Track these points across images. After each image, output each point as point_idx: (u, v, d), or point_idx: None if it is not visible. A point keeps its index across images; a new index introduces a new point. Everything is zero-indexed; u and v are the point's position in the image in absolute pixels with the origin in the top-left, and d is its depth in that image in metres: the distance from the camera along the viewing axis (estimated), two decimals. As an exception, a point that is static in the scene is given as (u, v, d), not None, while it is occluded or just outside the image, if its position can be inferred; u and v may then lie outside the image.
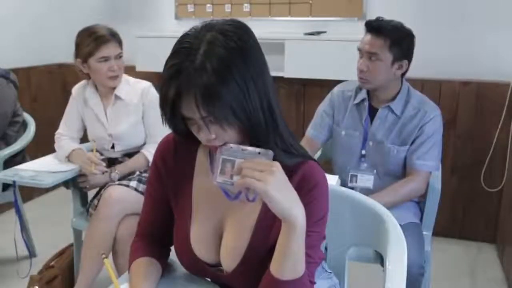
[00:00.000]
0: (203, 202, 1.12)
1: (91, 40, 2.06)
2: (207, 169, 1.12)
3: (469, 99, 2.84)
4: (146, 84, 2.20)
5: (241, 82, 0.91)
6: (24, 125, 2.69)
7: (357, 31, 2.00)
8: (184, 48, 0.93)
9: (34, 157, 2.34)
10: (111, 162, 2.25)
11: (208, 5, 3.39)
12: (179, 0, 3.48)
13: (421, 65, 2.70)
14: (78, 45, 2.11)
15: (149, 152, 2.13)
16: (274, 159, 0.92)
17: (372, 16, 2.01)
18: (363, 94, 2.02)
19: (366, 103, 2.01)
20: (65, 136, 2.24)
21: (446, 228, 2.89)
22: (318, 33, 3.06)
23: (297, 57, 3.02)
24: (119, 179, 2.11)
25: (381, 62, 1.88)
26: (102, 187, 2.15)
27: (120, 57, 2.13)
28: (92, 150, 2.15)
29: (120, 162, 2.22)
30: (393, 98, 1.97)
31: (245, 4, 3.31)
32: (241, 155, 0.91)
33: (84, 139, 2.32)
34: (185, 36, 0.96)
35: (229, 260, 1.09)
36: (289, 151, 1.03)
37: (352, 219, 1.42)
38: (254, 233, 1.07)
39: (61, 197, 3.26)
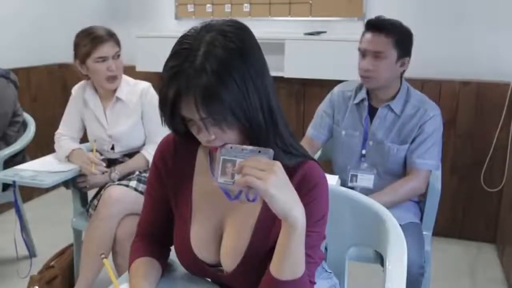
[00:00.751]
0: (203, 202, 1.12)
1: (88, 41, 2.06)
2: (207, 169, 1.12)
3: (469, 99, 2.85)
4: (145, 85, 2.20)
5: (240, 83, 0.91)
6: (24, 125, 2.69)
7: (357, 31, 1.99)
8: (184, 49, 0.93)
9: (34, 157, 2.34)
10: (111, 163, 2.26)
11: (208, 5, 3.39)
12: (179, 0, 3.48)
13: (421, 65, 2.71)
14: (76, 46, 2.11)
15: (149, 153, 2.13)
16: (274, 159, 0.92)
17: (372, 16, 2.01)
18: (362, 94, 2.02)
19: (366, 103, 2.01)
20: (65, 136, 2.24)
21: (446, 228, 2.89)
22: (318, 33, 3.06)
23: (297, 57, 3.02)
24: (119, 179, 2.11)
25: (386, 60, 1.88)
26: (102, 187, 2.15)
27: (118, 56, 2.12)
28: (92, 150, 2.15)
29: (120, 163, 2.22)
30: (393, 98, 1.97)
31: (245, 4, 3.31)
32: (242, 155, 0.91)
33: (84, 139, 2.32)
34: (184, 37, 0.96)
35: (229, 260, 1.09)
36: (289, 151, 1.03)
37: (352, 219, 1.42)
38: (254, 233, 1.07)
39: (61, 197, 3.26)
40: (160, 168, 1.16)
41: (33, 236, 2.72)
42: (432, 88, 2.82)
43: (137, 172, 2.14)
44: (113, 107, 2.19)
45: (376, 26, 1.89)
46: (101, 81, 2.12)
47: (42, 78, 3.59)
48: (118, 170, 2.13)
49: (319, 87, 3.03)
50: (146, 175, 2.09)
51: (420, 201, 2.08)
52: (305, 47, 3.01)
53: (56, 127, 2.27)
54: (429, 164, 1.92)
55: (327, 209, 1.06)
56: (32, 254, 2.53)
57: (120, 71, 2.14)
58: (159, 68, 0.97)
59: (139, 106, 2.17)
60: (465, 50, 2.87)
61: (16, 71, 2.73)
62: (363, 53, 1.92)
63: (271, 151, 0.91)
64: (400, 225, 1.30)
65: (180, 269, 1.20)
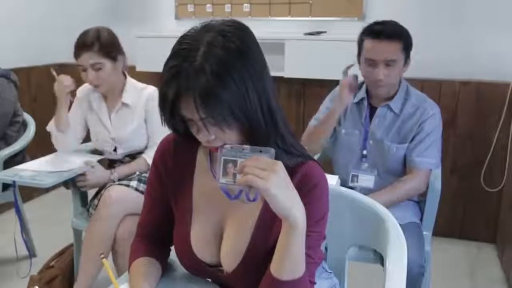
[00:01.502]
0: (204, 203, 1.12)
1: (75, 46, 2.05)
2: (207, 170, 1.12)
3: (469, 99, 2.85)
4: (151, 90, 2.17)
5: (240, 83, 0.91)
6: (24, 125, 2.69)
7: (357, 31, 1.99)
8: (183, 49, 0.93)
9: (34, 157, 2.34)
10: (112, 163, 2.26)
11: (208, 5, 3.39)
12: (179, 0, 3.48)
13: (421, 65, 2.70)
14: None
15: (150, 156, 2.11)
16: (275, 158, 0.92)
17: (372, 16, 2.01)
18: (362, 93, 2.03)
19: (365, 102, 2.02)
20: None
21: (446, 228, 2.89)
22: (318, 33, 3.06)
23: (297, 57, 3.02)
24: (119, 179, 2.11)
25: (398, 65, 1.87)
26: (102, 187, 2.15)
27: (98, 68, 2.04)
28: (92, 151, 2.15)
29: (122, 163, 2.22)
30: (392, 97, 1.97)
31: (245, 4, 3.31)
32: (242, 155, 0.91)
33: (85, 139, 2.32)
34: (184, 37, 0.96)
35: (229, 260, 1.09)
36: (289, 151, 1.03)
37: (352, 219, 1.42)
38: (254, 233, 1.07)
39: (61, 197, 3.26)
40: (160, 168, 1.16)
41: (33, 236, 2.72)
42: (432, 88, 2.82)
43: (137, 172, 2.13)
44: (118, 111, 2.19)
45: (384, 34, 1.84)
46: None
47: (42, 78, 3.59)
48: (118, 173, 2.12)
49: (319, 87, 3.03)
50: (147, 175, 2.09)
51: (420, 201, 2.08)
52: (305, 47, 3.01)
53: (56, 127, 2.27)
54: (429, 162, 1.92)
55: (327, 209, 1.06)
56: (32, 254, 2.53)
57: (101, 81, 2.07)
58: (159, 68, 0.97)
59: (142, 110, 2.16)
60: (465, 50, 2.87)
61: (16, 71, 2.73)
62: (372, 63, 1.87)
63: (272, 150, 0.91)
64: (400, 225, 1.30)
65: (180, 269, 1.20)
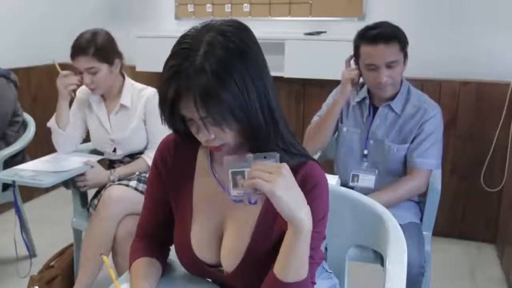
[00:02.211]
0: (204, 203, 1.12)
1: (71, 49, 2.05)
2: (208, 170, 1.12)
3: (469, 99, 2.85)
4: (151, 91, 2.16)
5: (240, 83, 0.91)
6: (24, 125, 2.69)
7: (356, 32, 1.99)
8: (184, 49, 0.93)
9: (34, 157, 2.33)
10: (112, 163, 2.26)
11: (208, 5, 3.39)
12: (179, 0, 3.48)
13: (421, 65, 2.71)
14: None
15: (150, 158, 2.12)
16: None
17: (372, 16, 2.01)
18: (364, 93, 2.03)
19: (367, 101, 2.02)
20: None
21: (446, 228, 2.89)
22: (318, 33, 3.06)
23: (297, 57, 3.02)
24: (119, 179, 2.11)
25: (399, 66, 1.88)
26: (102, 187, 2.15)
27: (94, 72, 2.04)
28: (92, 151, 2.14)
29: (121, 163, 2.22)
30: (393, 97, 1.97)
31: (245, 4, 3.31)
32: (248, 164, 0.92)
33: (86, 139, 2.32)
34: (184, 37, 0.96)
35: (230, 260, 1.09)
36: (289, 150, 1.03)
37: (352, 219, 1.42)
38: (254, 233, 1.07)
39: (61, 197, 3.26)
40: (160, 168, 1.16)
41: (33, 236, 2.72)
42: (432, 88, 2.81)
43: (137, 172, 2.13)
44: (117, 113, 2.18)
45: (380, 37, 1.84)
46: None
47: (42, 78, 3.59)
48: (118, 173, 2.12)
49: (319, 87, 3.03)
50: (146, 175, 2.09)
51: (420, 201, 2.08)
52: (305, 47, 3.01)
53: (56, 127, 2.27)
54: (429, 163, 1.92)
55: (328, 209, 1.06)
56: (32, 254, 2.53)
57: (97, 84, 2.07)
58: (159, 68, 0.97)
59: (142, 111, 2.16)
60: (465, 50, 2.87)
61: (16, 71, 2.73)
62: (373, 68, 1.87)
63: (277, 155, 0.92)
64: (400, 225, 1.31)
65: (180, 269, 1.20)
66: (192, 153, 1.14)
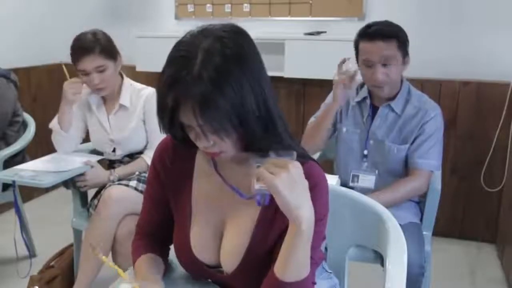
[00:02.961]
0: (203, 203, 1.12)
1: (73, 52, 2.04)
2: (207, 170, 1.12)
3: (469, 99, 2.84)
4: (150, 91, 2.16)
5: (237, 89, 0.91)
6: (24, 125, 2.69)
7: (357, 31, 1.99)
8: (181, 56, 0.92)
9: (34, 157, 2.34)
10: (112, 163, 2.26)
11: (208, 5, 3.39)
12: (179, 0, 3.48)
13: (421, 65, 2.71)
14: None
15: (149, 157, 2.11)
16: None
17: (372, 16, 2.01)
18: (364, 92, 2.03)
19: (367, 101, 2.01)
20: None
21: (446, 228, 2.89)
22: (318, 33, 3.06)
23: (297, 57, 3.02)
24: (119, 180, 2.11)
25: (396, 64, 1.87)
26: (102, 187, 2.15)
27: (103, 70, 2.04)
28: (92, 151, 2.14)
29: (121, 163, 2.22)
30: (394, 97, 1.97)
31: (245, 4, 3.31)
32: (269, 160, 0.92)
33: (85, 139, 2.32)
34: (181, 43, 0.95)
35: (229, 261, 1.09)
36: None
37: (352, 219, 1.42)
38: (254, 234, 1.06)
39: (61, 197, 3.26)
40: (159, 168, 1.16)
41: (33, 236, 2.72)
42: (432, 88, 2.82)
43: (137, 172, 2.13)
44: (117, 113, 2.18)
45: (378, 34, 1.85)
46: (91, 89, 2.12)
47: (42, 78, 3.59)
48: (117, 173, 2.12)
49: (319, 87, 3.03)
50: (146, 175, 2.08)
51: (420, 201, 2.08)
52: (305, 47, 3.01)
53: (56, 127, 2.27)
54: (430, 164, 1.92)
55: (328, 209, 1.06)
56: (32, 254, 2.53)
57: (106, 83, 2.08)
58: (159, 68, 0.96)
59: (141, 111, 2.16)
60: (465, 50, 2.87)
61: (16, 71, 2.73)
62: (370, 64, 1.88)
63: (294, 153, 0.92)
64: (400, 225, 1.30)
65: (180, 269, 1.20)
66: (191, 153, 1.14)
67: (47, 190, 3.44)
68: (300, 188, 0.90)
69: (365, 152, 2.01)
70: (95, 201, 2.13)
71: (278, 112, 1.00)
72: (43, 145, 2.63)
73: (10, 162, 2.45)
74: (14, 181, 2.00)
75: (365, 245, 1.48)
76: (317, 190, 1.02)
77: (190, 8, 3.45)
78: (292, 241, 0.93)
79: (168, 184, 1.15)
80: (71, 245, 2.31)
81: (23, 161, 2.47)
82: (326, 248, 1.46)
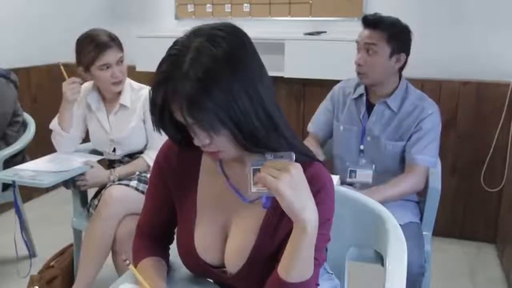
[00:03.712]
0: (208, 204, 1.12)
1: (92, 48, 2.03)
2: (213, 171, 1.11)
3: (469, 99, 2.85)
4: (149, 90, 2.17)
5: (226, 91, 0.89)
6: (24, 125, 2.69)
7: (357, 31, 2.00)
8: (172, 55, 0.92)
9: (34, 157, 2.33)
10: (112, 163, 2.25)
11: (208, 5, 3.39)
12: (179, 0, 3.48)
13: (421, 65, 2.71)
14: (79, 53, 2.08)
15: (150, 157, 2.12)
16: None
17: (371, 16, 2.01)
18: (361, 90, 2.04)
19: (364, 98, 2.03)
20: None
21: (446, 228, 2.89)
22: (318, 33, 3.06)
23: (297, 57, 3.02)
24: (119, 180, 2.11)
25: (378, 54, 1.90)
26: (102, 187, 2.15)
27: (122, 61, 2.10)
28: (92, 151, 2.14)
29: (121, 163, 2.22)
30: (390, 94, 1.98)
31: (245, 4, 3.31)
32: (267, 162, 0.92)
33: (85, 139, 2.32)
34: (175, 42, 0.95)
35: (234, 262, 1.09)
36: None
37: (352, 219, 1.42)
38: (259, 235, 1.06)
39: (61, 197, 3.26)
40: (164, 168, 1.15)
41: (33, 236, 2.72)
42: (432, 88, 2.82)
43: (137, 172, 2.13)
44: (117, 112, 2.18)
45: (371, 22, 1.92)
46: (106, 86, 2.11)
47: (42, 78, 3.59)
48: (117, 173, 2.12)
49: (319, 87, 3.03)
50: (147, 175, 2.08)
51: (420, 201, 2.09)
52: (305, 47, 3.01)
53: (56, 127, 2.27)
54: (428, 160, 1.93)
55: (333, 211, 1.05)
56: (32, 254, 2.53)
57: (124, 75, 2.12)
58: (159, 68, 0.97)
59: (141, 111, 2.16)
60: (465, 50, 2.87)
61: (16, 71, 2.73)
62: (358, 48, 1.96)
63: (292, 154, 0.92)
64: (400, 225, 1.31)
65: (181, 269, 1.20)
66: (197, 154, 1.13)
67: (47, 190, 3.44)
68: (303, 190, 0.90)
69: (362, 147, 2.02)
70: (95, 201, 2.13)
71: (279, 111, 0.99)
72: (43, 145, 2.62)
73: (10, 162, 2.45)
74: (14, 181, 2.00)
75: (365, 245, 1.48)
76: (324, 192, 1.01)
77: (190, 8, 3.45)
78: (296, 242, 0.92)
79: (173, 183, 1.15)
80: (71, 245, 2.31)
81: (23, 161, 2.47)
82: (326, 249, 1.45)
